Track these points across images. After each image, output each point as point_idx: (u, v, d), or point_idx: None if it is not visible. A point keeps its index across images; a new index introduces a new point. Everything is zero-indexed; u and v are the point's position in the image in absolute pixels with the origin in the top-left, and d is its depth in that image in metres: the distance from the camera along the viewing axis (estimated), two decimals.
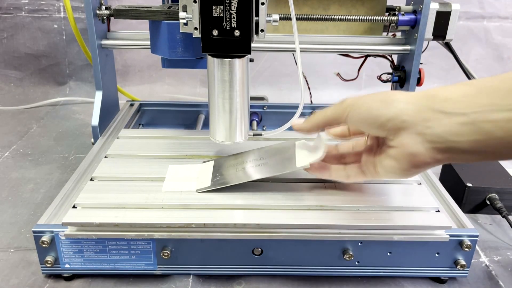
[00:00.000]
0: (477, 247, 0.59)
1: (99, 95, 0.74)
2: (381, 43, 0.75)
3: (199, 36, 0.52)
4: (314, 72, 1.12)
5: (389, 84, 0.79)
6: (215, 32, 0.51)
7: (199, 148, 0.66)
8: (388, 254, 0.52)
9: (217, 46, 0.52)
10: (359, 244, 0.51)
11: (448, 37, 0.71)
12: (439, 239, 0.50)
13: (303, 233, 0.50)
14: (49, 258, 0.50)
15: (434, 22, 0.70)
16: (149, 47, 0.67)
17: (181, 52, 0.63)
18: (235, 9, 0.50)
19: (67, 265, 0.51)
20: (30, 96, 1.13)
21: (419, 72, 0.73)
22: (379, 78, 0.78)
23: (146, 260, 0.52)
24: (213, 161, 0.61)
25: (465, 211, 0.67)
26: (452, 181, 0.70)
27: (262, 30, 0.53)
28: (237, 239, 0.50)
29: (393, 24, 0.73)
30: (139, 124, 0.87)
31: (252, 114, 0.87)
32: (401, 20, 0.72)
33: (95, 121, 0.72)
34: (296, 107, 0.57)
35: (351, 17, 0.71)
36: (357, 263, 0.52)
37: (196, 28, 0.52)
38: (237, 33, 0.51)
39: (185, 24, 0.53)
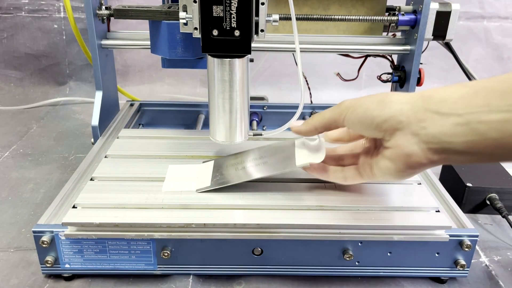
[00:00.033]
0: (477, 247, 0.59)
1: (99, 95, 0.74)
2: (381, 43, 0.75)
3: (199, 36, 0.52)
4: (314, 72, 1.12)
5: (389, 84, 0.79)
6: (215, 32, 0.51)
7: (199, 148, 0.66)
8: (388, 254, 0.52)
9: (217, 46, 0.52)
10: (359, 244, 0.51)
11: (448, 37, 0.71)
12: (439, 239, 0.50)
13: (303, 233, 0.50)
14: (49, 258, 0.50)
15: (434, 22, 0.70)
16: (149, 47, 0.67)
17: (181, 52, 0.63)
18: (235, 9, 0.50)
19: (67, 265, 0.51)
20: (30, 96, 1.13)
21: (419, 72, 0.73)
22: (379, 78, 0.78)
23: (146, 260, 0.52)
24: (213, 161, 0.61)
25: (465, 211, 0.67)
26: (452, 181, 0.70)
27: (262, 30, 0.53)
28: (237, 239, 0.50)
29: (393, 24, 0.73)
30: (139, 124, 0.87)
31: (252, 114, 0.87)
32: (401, 20, 0.72)
33: (95, 121, 0.72)
34: (296, 107, 0.57)
35: (351, 17, 0.71)
36: (357, 263, 0.52)
37: (196, 28, 0.52)
38: (237, 33, 0.51)
39: (185, 24, 0.53)
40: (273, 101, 0.92)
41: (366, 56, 0.78)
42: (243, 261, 0.52)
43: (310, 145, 0.54)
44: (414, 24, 0.72)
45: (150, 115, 0.89)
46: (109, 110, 0.79)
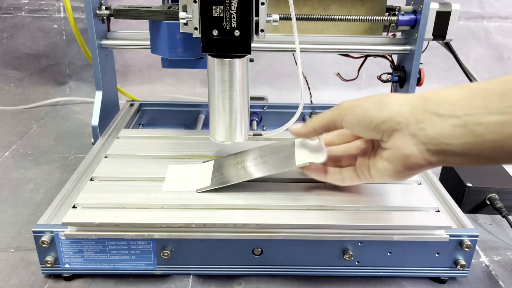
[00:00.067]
0: (477, 247, 0.59)
1: (99, 95, 0.74)
2: (381, 43, 0.75)
3: (199, 36, 0.52)
4: (314, 72, 1.12)
5: (389, 84, 0.79)
6: (215, 32, 0.51)
7: (199, 148, 0.66)
8: (388, 254, 0.52)
9: (217, 46, 0.52)
10: (359, 244, 0.51)
11: (448, 37, 0.71)
12: (439, 239, 0.50)
13: (303, 233, 0.50)
14: (49, 258, 0.50)
15: (434, 22, 0.70)
16: (149, 47, 0.67)
17: (181, 52, 0.63)
18: (235, 9, 0.50)
19: (67, 265, 0.51)
20: (30, 96, 1.13)
21: (419, 72, 0.73)
22: (379, 78, 0.78)
23: (146, 260, 0.52)
24: (213, 161, 0.61)
25: (465, 211, 0.67)
26: (452, 181, 0.70)
27: (262, 30, 0.53)
28: (237, 239, 0.50)
29: (393, 24, 0.73)
30: (139, 124, 0.87)
31: (252, 114, 0.87)
32: (401, 20, 0.72)
33: (95, 121, 0.72)
34: (296, 107, 0.57)
35: (351, 17, 0.71)
36: (357, 263, 0.52)
37: (196, 28, 0.52)
38: (237, 33, 0.51)
39: (185, 24, 0.53)
40: (273, 101, 0.92)
41: (366, 56, 0.78)
42: (243, 261, 0.52)
43: (310, 145, 0.54)
44: (414, 24, 0.72)
45: (150, 115, 0.89)
46: (109, 110, 0.79)
